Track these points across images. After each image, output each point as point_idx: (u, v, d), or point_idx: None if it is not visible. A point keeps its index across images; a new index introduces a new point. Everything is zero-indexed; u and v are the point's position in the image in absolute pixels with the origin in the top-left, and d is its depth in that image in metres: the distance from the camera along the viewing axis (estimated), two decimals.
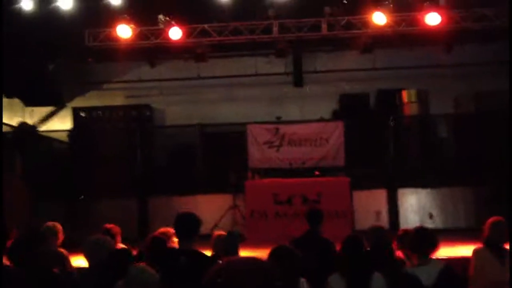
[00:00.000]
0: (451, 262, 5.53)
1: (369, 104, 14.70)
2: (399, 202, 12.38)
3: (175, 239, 5.68)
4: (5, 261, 5.54)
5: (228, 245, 5.59)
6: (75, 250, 6.83)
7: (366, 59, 14.32)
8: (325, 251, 6.22)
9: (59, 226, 6.76)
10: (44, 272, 5.00)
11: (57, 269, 5.51)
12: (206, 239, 5.99)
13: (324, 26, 12.89)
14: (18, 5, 11.98)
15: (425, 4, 12.16)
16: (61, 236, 6.61)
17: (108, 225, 6.59)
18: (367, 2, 12.38)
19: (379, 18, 12.33)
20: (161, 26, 12.87)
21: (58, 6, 12.16)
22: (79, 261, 7.21)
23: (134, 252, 6.20)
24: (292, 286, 4.38)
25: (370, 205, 12.14)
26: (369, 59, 14.30)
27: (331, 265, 5.31)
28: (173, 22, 12.79)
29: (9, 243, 6.14)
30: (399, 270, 5.14)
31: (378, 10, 12.28)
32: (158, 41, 13.21)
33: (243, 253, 5.93)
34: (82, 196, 12.67)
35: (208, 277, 1.92)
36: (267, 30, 13.11)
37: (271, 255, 4.44)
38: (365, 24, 12.76)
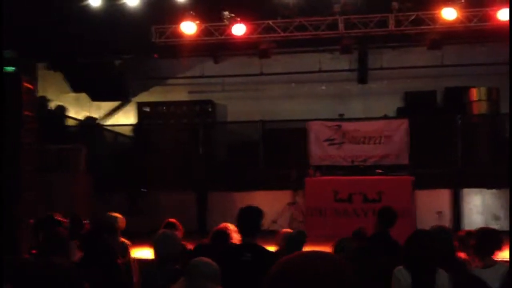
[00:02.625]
0: None
1: (435, 102, 14.27)
2: (463, 203, 11.96)
3: (235, 235, 5.65)
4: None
5: (295, 242, 5.54)
6: (135, 241, 6.95)
7: (434, 56, 13.91)
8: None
9: (120, 217, 6.89)
10: (107, 263, 5.09)
11: (120, 260, 5.61)
12: (264, 235, 5.92)
13: (391, 22, 12.57)
14: (86, 2, 12.28)
15: None
16: (122, 226, 6.72)
17: (171, 220, 6.61)
18: None
19: (449, 14, 11.94)
20: (226, 22, 12.89)
21: (125, 3, 12.39)
22: (140, 253, 7.37)
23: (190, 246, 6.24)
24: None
25: (432, 205, 11.77)
26: (437, 56, 13.87)
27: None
28: (237, 18, 12.80)
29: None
30: (463, 271, 4.94)
31: (448, 5, 11.89)
32: (222, 37, 13.24)
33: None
34: (144, 189, 12.89)
35: (275, 268, 1.84)
36: (332, 26, 12.90)
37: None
38: (434, 20, 12.37)
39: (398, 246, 6.00)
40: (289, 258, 1.87)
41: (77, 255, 5.76)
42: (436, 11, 12.21)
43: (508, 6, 11.46)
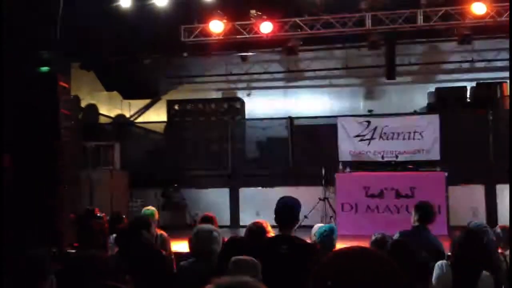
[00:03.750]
0: None
1: (466, 97, 14.16)
2: (498, 198, 11.83)
3: (270, 230, 5.71)
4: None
5: (327, 238, 5.56)
6: (169, 235, 7.08)
7: (464, 51, 13.79)
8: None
9: (155, 210, 7.03)
10: (152, 253, 5.20)
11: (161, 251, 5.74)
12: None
13: (419, 17, 12.50)
14: (117, 2, 12.46)
15: None
16: (158, 219, 6.86)
17: (208, 214, 6.71)
18: None
19: (479, 8, 11.84)
20: (253, 20, 12.98)
21: (154, 3, 12.54)
22: (175, 246, 7.49)
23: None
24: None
25: (466, 201, 11.68)
26: (467, 51, 13.76)
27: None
28: (264, 16, 12.87)
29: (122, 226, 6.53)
30: (502, 268, 4.92)
31: (478, 0, 11.80)
32: (249, 35, 13.32)
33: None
34: (176, 185, 13.06)
35: (323, 267, 1.76)
36: (360, 22, 12.88)
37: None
38: (463, 14, 12.27)
39: (436, 242, 5.98)
40: (337, 255, 1.79)
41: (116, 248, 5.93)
42: (465, 6, 12.12)
43: None
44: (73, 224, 7.17)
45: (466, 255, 4.41)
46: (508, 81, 13.44)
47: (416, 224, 6.01)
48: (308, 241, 5.89)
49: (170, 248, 6.68)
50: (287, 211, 4.95)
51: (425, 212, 6.10)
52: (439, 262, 4.54)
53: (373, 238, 5.09)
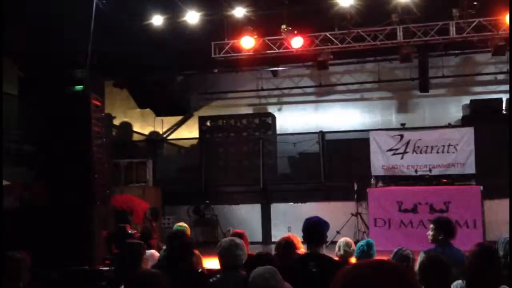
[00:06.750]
0: None
1: (502, 109, 13.87)
2: None
3: (300, 246, 5.71)
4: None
5: (366, 255, 5.57)
6: (201, 251, 7.10)
7: (498, 62, 13.54)
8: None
9: (187, 227, 7.07)
10: (194, 272, 5.23)
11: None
12: (328, 246, 5.95)
13: (452, 29, 12.33)
14: (149, 21, 12.65)
15: None
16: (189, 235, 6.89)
17: (238, 231, 6.73)
18: (500, 3, 11.71)
19: None
20: (284, 35, 12.99)
21: (185, 21, 12.68)
22: (207, 263, 7.50)
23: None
24: None
25: (503, 215, 11.39)
26: (501, 62, 13.51)
27: None
28: (295, 31, 12.87)
29: (153, 242, 6.61)
30: None
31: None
32: (280, 50, 13.33)
33: None
34: (207, 201, 13.12)
35: (341, 275, 1.77)
36: (391, 35, 12.77)
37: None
38: (497, 25, 12.06)
39: (463, 257, 5.86)
40: (355, 268, 1.80)
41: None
42: (498, 17, 11.92)
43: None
44: (105, 241, 7.27)
45: (480, 273, 4.30)
46: None
47: (440, 240, 5.94)
48: (334, 256, 5.89)
49: (202, 266, 6.69)
50: (315, 230, 5.04)
51: (449, 227, 6.09)
52: (454, 283, 4.44)
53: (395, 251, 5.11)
